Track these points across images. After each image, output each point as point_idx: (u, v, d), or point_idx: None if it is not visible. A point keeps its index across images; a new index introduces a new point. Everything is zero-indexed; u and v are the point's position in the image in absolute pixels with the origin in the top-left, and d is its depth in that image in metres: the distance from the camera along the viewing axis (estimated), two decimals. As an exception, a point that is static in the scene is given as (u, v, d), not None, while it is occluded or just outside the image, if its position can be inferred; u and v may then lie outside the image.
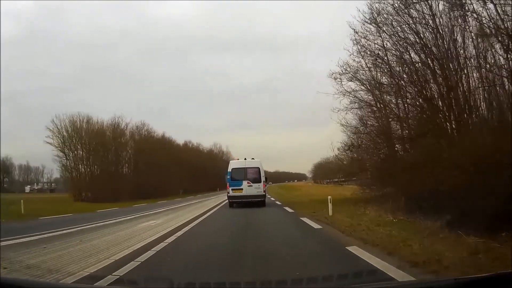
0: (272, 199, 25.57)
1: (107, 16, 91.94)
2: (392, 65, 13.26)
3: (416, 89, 12.41)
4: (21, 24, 64.41)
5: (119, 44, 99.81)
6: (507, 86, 10.18)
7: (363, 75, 14.80)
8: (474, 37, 10.82)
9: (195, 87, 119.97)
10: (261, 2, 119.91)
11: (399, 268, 4.35)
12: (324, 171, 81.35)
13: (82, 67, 61.52)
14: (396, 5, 12.17)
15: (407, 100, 13.31)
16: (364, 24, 13.29)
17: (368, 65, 14.24)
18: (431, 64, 11.84)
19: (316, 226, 9.62)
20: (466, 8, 10.02)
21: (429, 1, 11.47)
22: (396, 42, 12.74)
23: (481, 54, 10.80)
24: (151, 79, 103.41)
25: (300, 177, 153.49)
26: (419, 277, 3.93)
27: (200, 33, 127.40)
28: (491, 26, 9.53)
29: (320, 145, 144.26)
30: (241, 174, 18.08)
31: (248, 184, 17.96)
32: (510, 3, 8.83)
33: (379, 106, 15.31)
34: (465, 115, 11.04)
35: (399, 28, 12.29)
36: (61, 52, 67.16)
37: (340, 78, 14.81)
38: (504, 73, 10.05)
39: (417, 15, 11.80)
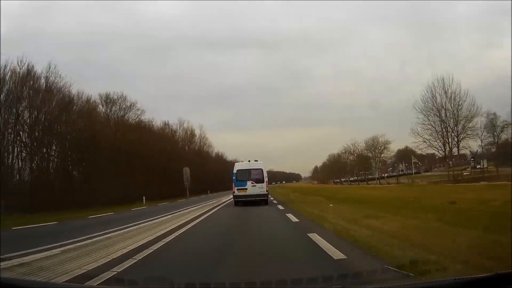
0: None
1: (96, 15, 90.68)
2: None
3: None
4: (9, 23, 63.48)
5: (109, 43, 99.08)
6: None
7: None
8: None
9: (186, 85, 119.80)
10: (254, 2, 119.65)
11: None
12: (336, 169, 72.90)
13: (69, 66, 60.41)
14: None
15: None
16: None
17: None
18: None
19: None
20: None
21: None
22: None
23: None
24: (141, 77, 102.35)
25: (294, 177, 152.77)
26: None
27: (191, 31, 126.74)
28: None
29: (316, 145, 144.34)
30: (246, 175, 19.41)
31: (252, 184, 19.29)
32: None
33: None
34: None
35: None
36: (48, 51, 66.04)
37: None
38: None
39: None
